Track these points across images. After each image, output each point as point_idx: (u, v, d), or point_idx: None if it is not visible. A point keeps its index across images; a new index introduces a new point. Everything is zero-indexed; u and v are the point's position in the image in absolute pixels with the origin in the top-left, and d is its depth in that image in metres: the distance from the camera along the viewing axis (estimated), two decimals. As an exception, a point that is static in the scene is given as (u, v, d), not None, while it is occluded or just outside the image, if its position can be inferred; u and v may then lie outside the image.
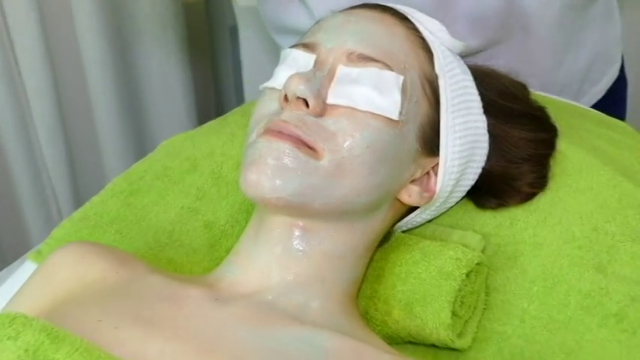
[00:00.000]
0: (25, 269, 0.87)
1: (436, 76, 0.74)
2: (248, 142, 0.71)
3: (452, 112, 0.74)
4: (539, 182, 0.80)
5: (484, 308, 0.77)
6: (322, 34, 0.74)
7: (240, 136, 0.91)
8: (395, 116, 0.70)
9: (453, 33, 0.77)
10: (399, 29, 0.74)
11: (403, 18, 0.76)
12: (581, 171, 0.81)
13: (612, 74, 1.09)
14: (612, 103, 1.09)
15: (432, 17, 0.77)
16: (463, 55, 0.79)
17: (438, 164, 0.75)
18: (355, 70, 0.71)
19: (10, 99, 1.51)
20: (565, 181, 0.81)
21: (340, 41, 0.72)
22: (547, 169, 0.81)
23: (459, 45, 0.77)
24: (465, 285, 0.74)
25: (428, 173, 0.76)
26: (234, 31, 1.61)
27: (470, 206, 0.82)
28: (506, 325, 0.75)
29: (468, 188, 0.80)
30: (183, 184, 0.90)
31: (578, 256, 0.76)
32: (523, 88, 0.85)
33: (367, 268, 0.76)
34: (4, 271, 0.94)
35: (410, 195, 0.75)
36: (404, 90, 0.71)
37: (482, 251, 0.78)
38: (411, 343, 0.77)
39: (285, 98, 0.69)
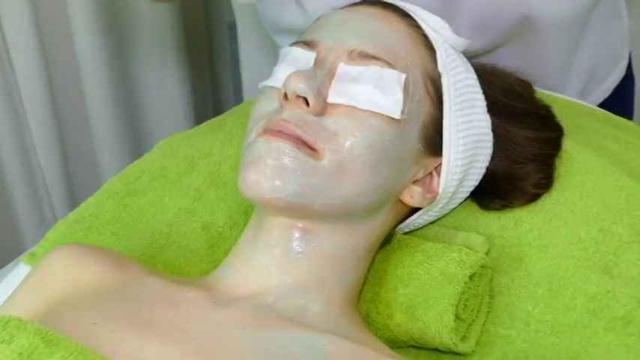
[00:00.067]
0: (18, 272, 0.87)
1: (439, 75, 0.74)
2: (247, 142, 0.71)
3: (455, 111, 0.74)
4: (544, 183, 0.81)
5: (488, 311, 0.77)
6: (322, 31, 0.74)
7: (239, 136, 0.91)
8: (397, 115, 0.70)
9: (458, 33, 0.77)
10: (400, 26, 0.75)
11: (405, 15, 0.76)
12: (587, 171, 0.81)
13: (619, 72, 1.10)
14: (619, 101, 1.10)
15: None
16: (467, 55, 0.80)
17: (440, 164, 0.75)
18: (356, 69, 0.71)
19: (3, 99, 1.51)
20: (571, 182, 0.81)
21: (341, 39, 0.72)
22: (552, 169, 0.81)
23: (462, 42, 0.77)
24: (469, 288, 0.74)
25: (430, 174, 0.76)
26: (232, 28, 1.61)
27: (473, 207, 0.83)
28: (510, 328, 0.75)
29: (471, 189, 0.80)
30: (180, 184, 0.90)
31: (584, 258, 0.76)
32: (528, 86, 0.85)
33: (368, 270, 0.76)
34: (-3, 273, 0.95)
35: (412, 196, 0.75)
36: (406, 88, 0.71)
37: (486, 253, 0.78)
38: (413, 347, 0.77)
39: (285, 97, 0.69)
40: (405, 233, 0.81)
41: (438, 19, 0.76)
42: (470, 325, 0.75)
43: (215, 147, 0.92)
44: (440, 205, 0.78)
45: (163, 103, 1.78)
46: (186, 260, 0.85)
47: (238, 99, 1.79)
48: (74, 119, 1.66)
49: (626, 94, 1.13)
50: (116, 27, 1.63)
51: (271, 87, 0.73)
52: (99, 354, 0.60)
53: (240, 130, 0.92)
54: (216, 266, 0.75)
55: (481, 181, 0.80)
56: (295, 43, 0.75)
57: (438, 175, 0.76)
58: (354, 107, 0.69)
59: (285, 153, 0.67)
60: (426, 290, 0.73)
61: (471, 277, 0.74)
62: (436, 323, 0.72)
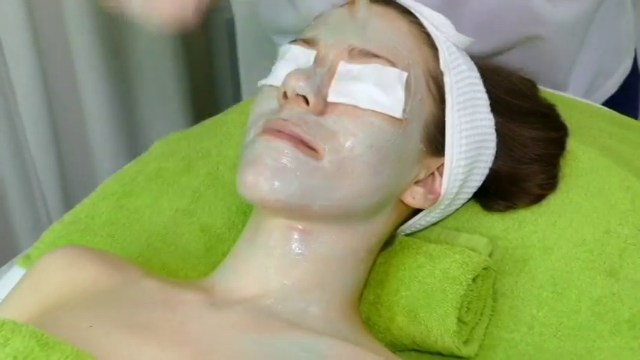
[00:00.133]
0: (13, 274, 0.87)
1: (441, 73, 0.74)
2: (246, 142, 0.72)
3: (458, 111, 0.74)
4: (548, 183, 0.81)
5: (491, 314, 0.77)
6: (322, 29, 0.75)
7: (238, 136, 0.91)
8: (398, 114, 0.70)
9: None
10: (402, 23, 0.75)
11: (406, 12, 0.76)
12: (592, 172, 0.82)
13: (625, 68, 1.10)
14: (625, 99, 1.10)
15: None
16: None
17: (443, 165, 0.75)
18: (357, 67, 0.71)
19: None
20: (576, 182, 0.81)
21: (341, 37, 0.73)
22: (557, 169, 0.82)
23: (464, 40, 0.77)
24: (472, 290, 0.74)
25: (433, 174, 0.76)
26: (230, 25, 1.61)
27: (477, 208, 0.83)
28: (514, 332, 0.76)
29: (474, 190, 0.80)
30: (177, 185, 0.90)
31: (590, 260, 0.77)
32: (532, 85, 0.85)
33: (369, 272, 0.76)
34: (-9, 276, 0.95)
35: (414, 197, 0.75)
36: (407, 87, 0.71)
37: (490, 255, 0.78)
38: (415, 350, 0.77)
39: (285, 95, 0.70)
40: (407, 235, 0.82)
41: (441, 16, 0.76)
42: (473, 328, 0.75)
43: (213, 147, 0.93)
44: (442, 206, 0.78)
45: (160, 102, 1.77)
46: (183, 262, 0.85)
47: (237, 98, 1.79)
48: (69, 117, 1.66)
49: (631, 92, 1.14)
50: (112, 25, 1.63)
51: (270, 85, 0.74)
52: (95, 357, 0.60)
53: (239, 130, 0.92)
54: (214, 268, 0.75)
55: (484, 182, 0.80)
56: (295, 41, 0.75)
57: (441, 175, 0.76)
58: (354, 106, 0.69)
59: (284, 153, 0.67)
60: (428, 293, 0.74)
61: (474, 280, 0.74)
62: (438, 326, 0.72)
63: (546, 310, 0.76)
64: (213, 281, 0.72)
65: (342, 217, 0.71)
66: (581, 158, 0.83)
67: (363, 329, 0.73)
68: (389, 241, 0.79)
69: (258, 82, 0.76)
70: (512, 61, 0.87)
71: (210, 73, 1.91)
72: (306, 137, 0.68)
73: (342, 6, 0.78)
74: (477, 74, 0.78)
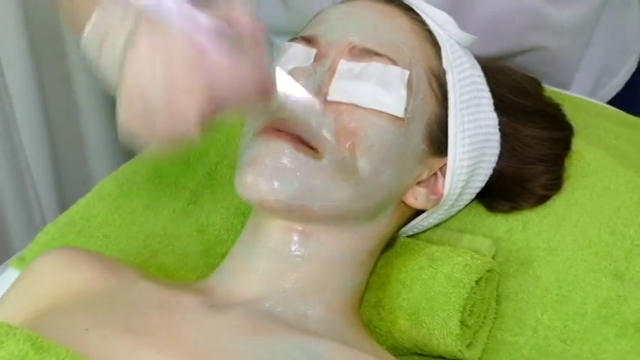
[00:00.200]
0: (7, 276, 0.87)
1: (444, 71, 0.75)
2: (245, 141, 0.72)
3: (461, 110, 0.75)
4: (553, 184, 0.81)
5: (495, 317, 0.77)
6: (323, 26, 0.75)
7: (236, 135, 0.91)
8: (400, 113, 0.70)
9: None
10: (403, 21, 0.75)
11: (408, 9, 0.76)
12: (598, 172, 0.82)
13: (631, 65, 1.10)
14: (630, 98, 1.10)
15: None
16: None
17: (445, 165, 0.75)
18: (358, 65, 0.71)
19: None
20: (581, 183, 0.82)
21: (342, 34, 0.73)
22: (562, 169, 0.82)
23: (467, 38, 0.77)
24: (475, 293, 0.74)
25: (435, 174, 0.76)
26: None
27: (480, 209, 0.83)
28: (518, 335, 0.76)
29: (478, 190, 0.80)
30: (175, 186, 0.90)
31: (595, 262, 0.77)
32: (536, 83, 0.86)
33: (371, 274, 0.77)
34: (-15, 278, 0.95)
35: (416, 197, 0.75)
36: (409, 86, 0.71)
37: (493, 257, 0.79)
38: (417, 354, 0.77)
39: (284, 94, 0.70)
40: (409, 236, 0.82)
41: (443, 13, 0.76)
42: (476, 331, 0.75)
43: (211, 147, 0.93)
44: (445, 207, 0.78)
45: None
46: (181, 264, 0.85)
47: (235, 96, 1.78)
48: (64, 116, 1.66)
49: (637, 90, 1.14)
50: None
51: (269, 84, 0.74)
52: (91, 361, 0.60)
53: (237, 129, 0.92)
54: (212, 270, 0.75)
55: (488, 182, 0.80)
56: (294, 39, 0.75)
57: (443, 175, 0.76)
58: (355, 105, 0.70)
59: (284, 153, 0.67)
60: (431, 295, 0.74)
61: (477, 282, 0.74)
62: (441, 330, 0.72)
63: (551, 312, 0.76)
64: (212, 283, 0.72)
65: (342, 218, 0.71)
66: (586, 158, 0.83)
67: (364, 332, 0.73)
68: (390, 243, 0.79)
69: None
70: (516, 62, 0.87)
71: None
72: (306, 137, 0.68)
73: (342, 3, 0.78)
74: (481, 73, 0.78)
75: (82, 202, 0.91)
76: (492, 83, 0.79)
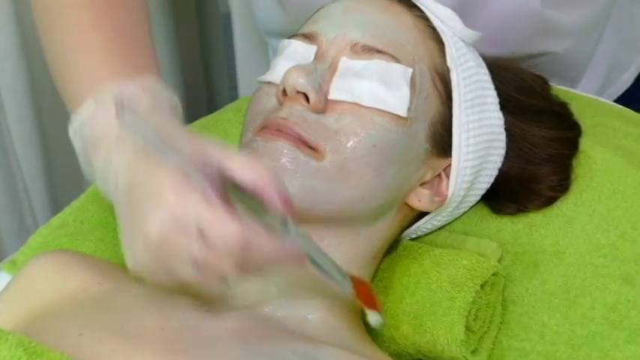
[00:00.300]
0: (-2, 280, 0.87)
1: (448, 69, 0.75)
2: (243, 142, 0.72)
3: (465, 109, 0.75)
4: (560, 185, 0.81)
5: (500, 322, 0.77)
6: (323, 23, 0.75)
7: (235, 135, 0.92)
8: (403, 113, 0.70)
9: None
10: (406, 17, 0.75)
11: (411, 5, 0.77)
12: (606, 173, 0.82)
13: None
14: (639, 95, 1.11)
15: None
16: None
17: (450, 165, 0.76)
18: (359, 63, 0.72)
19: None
20: (589, 184, 0.82)
21: (343, 31, 0.73)
22: (569, 170, 0.82)
23: (472, 35, 0.78)
24: (480, 297, 0.74)
25: (439, 175, 0.76)
26: (227, 19, 1.61)
27: (485, 211, 0.83)
28: (524, 340, 0.76)
29: (483, 192, 0.81)
30: (171, 187, 0.90)
31: (604, 265, 0.77)
32: (543, 82, 0.86)
33: (373, 278, 0.77)
34: (-24, 282, 0.95)
35: (419, 199, 0.75)
36: (412, 84, 0.72)
37: (499, 260, 0.79)
38: (420, 360, 0.78)
39: (284, 93, 0.70)
40: (412, 239, 0.82)
41: (447, 10, 0.77)
42: (481, 337, 0.75)
43: (209, 147, 0.93)
44: (449, 209, 0.79)
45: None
46: (177, 268, 0.85)
47: (233, 95, 1.79)
48: (56, 116, 1.66)
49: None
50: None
51: (269, 82, 0.74)
52: (85, 366, 0.61)
53: (236, 129, 0.92)
54: (209, 274, 0.75)
55: (493, 184, 0.80)
56: (294, 36, 0.76)
57: (448, 177, 0.76)
58: (357, 104, 0.70)
59: (283, 153, 0.67)
60: (435, 300, 0.74)
61: (482, 286, 0.74)
62: (445, 335, 0.72)
63: (558, 317, 0.76)
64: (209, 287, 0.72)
65: (344, 220, 0.71)
66: (594, 159, 0.83)
67: (366, 338, 0.73)
68: (393, 246, 0.79)
69: (257, 79, 0.76)
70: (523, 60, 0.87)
71: (205, 70, 1.91)
72: (307, 136, 0.68)
73: (343, -1, 0.78)
74: (486, 71, 0.78)
75: (75, 204, 0.91)
76: (498, 81, 0.79)
